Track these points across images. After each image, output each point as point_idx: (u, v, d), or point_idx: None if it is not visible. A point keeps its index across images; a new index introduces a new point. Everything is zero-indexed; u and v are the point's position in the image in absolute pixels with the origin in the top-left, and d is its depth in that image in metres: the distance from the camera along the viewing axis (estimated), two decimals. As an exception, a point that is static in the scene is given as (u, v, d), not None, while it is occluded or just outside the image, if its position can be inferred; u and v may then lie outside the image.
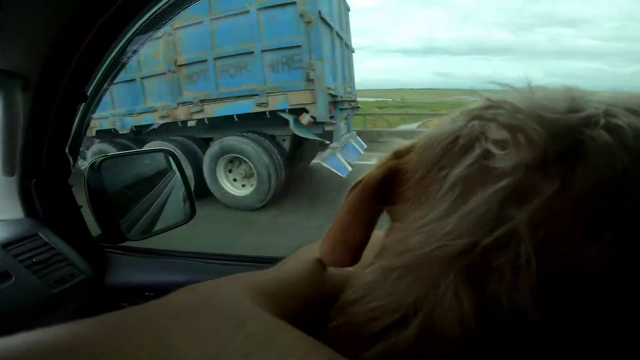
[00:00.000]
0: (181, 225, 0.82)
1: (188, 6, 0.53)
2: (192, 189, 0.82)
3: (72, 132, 0.67)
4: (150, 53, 3.79)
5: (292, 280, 0.23)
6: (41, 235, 0.67)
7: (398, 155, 0.22)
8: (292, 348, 0.15)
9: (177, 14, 0.54)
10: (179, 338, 0.14)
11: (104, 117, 4.23)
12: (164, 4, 0.49)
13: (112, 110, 4.18)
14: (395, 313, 0.16)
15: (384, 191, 0.21)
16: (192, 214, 0.84)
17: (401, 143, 0.22)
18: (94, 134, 4.32)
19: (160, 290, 0.71)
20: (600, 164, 0.14)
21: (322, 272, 0.24)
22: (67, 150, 0.68)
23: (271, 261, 0.66)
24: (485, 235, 0.14)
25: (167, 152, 0.82)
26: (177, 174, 0.82)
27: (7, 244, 0.64)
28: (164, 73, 3.81)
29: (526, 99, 0.17)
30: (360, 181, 0.23)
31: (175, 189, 0.85)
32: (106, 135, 4.36)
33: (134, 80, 3.99)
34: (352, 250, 0.22)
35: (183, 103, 3.77)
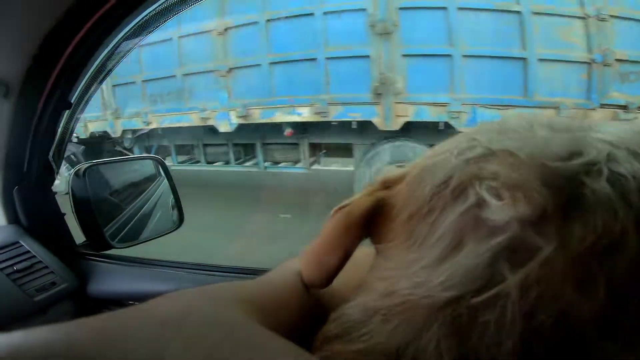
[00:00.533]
0: (169, 233, 0.81)
1: (178, 12, 0.53)
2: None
3: (56, 139, 0.66)
4: (555, 31, 2.66)
5: (279, 293, 0.23)
6: (22, 243, 0.66)
7: (387, 185, 0.21)
8: (280, 356, 0.15)
9: (168, 19, 0.54)
10: (168, 344, 0.14)
11: (435, 102, 2.78)
12: (153, 9, 0.50)
13: (456, 95, 2.73)
14: (378, 357, 0.16)
15: (370, 221, 0.21)
16: (180, 221, 0.83)
17: (391, 172, 0.21)
18: (403, 124, 2.82)
19: (144, 299, 0.70)
20: (599, 223, 0.13)
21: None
22: (50, 157, 0.67)
23: (257, 272, 0.65)
24: (473, 291, 0.14)
25: (156, 160, 0.81)
26: (166, 181, 0.81)
27: (-13, 252, 0.62)
28: (588, 62, 2.65)
29: (527, 143, 0.16)
30: (345, 205, 0.22)
31: (163, 197, 0.84)
32: (402, 131, 2.86)
33: (522, 59, 2.68)
34: (324, 274, 0.22)
35: (606, 105, 2.70)
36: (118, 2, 0.48)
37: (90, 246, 0.72)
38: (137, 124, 3.74)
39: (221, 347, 0.14)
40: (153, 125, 3.69)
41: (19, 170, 0.64)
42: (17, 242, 0.66)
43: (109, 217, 0.74)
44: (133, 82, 3.74)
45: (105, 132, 4.01)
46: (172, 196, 0.80)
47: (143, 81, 3.71)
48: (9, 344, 0.12)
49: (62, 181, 0.81)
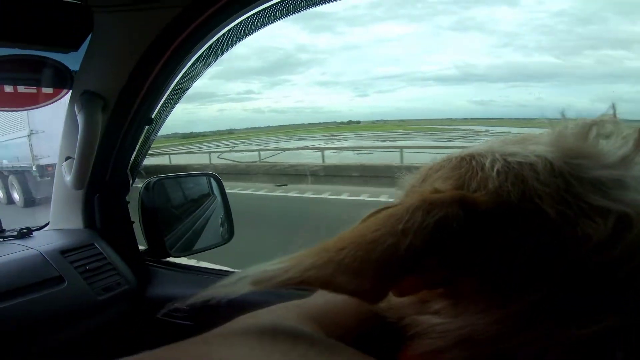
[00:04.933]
0: (219, 246, 0.84)
1: (247, 36, 0.62)
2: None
3: (135, 153, 0.76)
4: None
5: (335, 309, 0.24)
6: (96, 246, 0.72)
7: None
8: None
9: (236, 43, 0.64)
10: (270, 355, 0.16)
11: None
12: (224, 33, 0.59)
13: None
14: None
15: None
16: (229, 236, 0.86)
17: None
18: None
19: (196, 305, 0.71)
20: None
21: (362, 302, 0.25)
22: (128, 170, 0.77)
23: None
24: None
25: (212, 176, 0.88)
26: (219, 197, 0.87)
27: (65, 251, 0.69)
28: None
29: None
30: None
31: (216, 212, 0.89)
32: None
33: None
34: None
35: None
36: (195, 28, 0.58)
37: (150, 253, 0.77)
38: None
39: (309, 355, 0.17)
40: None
41: (102, 180, 0.73)
42: (92, 245, 0.73)
43: (169, 227, 0.80)
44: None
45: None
46: (223, 212, 0.84)
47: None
48: None
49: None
